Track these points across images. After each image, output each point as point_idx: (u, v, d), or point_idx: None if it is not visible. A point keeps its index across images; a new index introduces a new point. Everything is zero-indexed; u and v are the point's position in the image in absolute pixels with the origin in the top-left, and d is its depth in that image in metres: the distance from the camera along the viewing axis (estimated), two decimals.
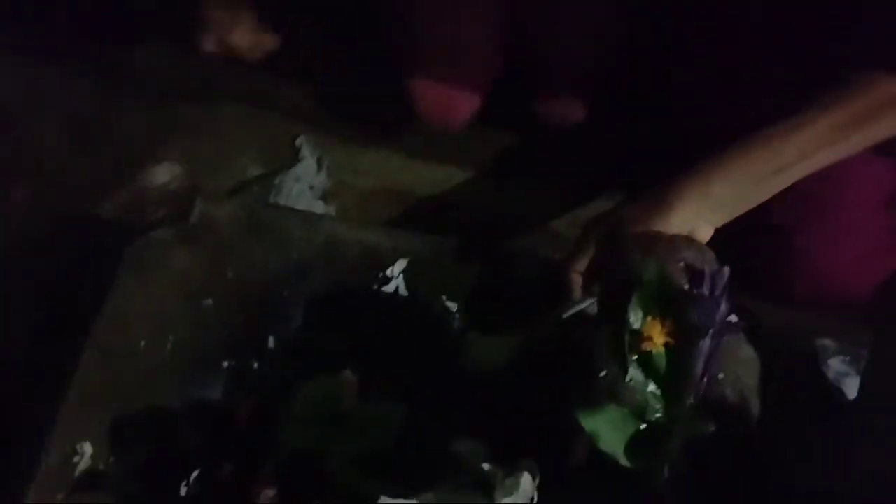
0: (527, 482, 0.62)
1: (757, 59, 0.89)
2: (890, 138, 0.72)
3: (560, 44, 1.06)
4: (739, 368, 0.57)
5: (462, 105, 1.08)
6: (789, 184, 0.70)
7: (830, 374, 0.78)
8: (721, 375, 0.56)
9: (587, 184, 1.12)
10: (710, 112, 0.95)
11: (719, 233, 0.69)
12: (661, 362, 0.55)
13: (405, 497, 0.62)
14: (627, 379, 0.55)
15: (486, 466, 0.63)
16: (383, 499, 0.61)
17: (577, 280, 0.70)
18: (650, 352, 0.55)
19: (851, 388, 0.77)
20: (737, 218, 0.71)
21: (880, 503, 0.53)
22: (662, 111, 1.05)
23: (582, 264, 0.69)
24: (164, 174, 1.08)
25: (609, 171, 1.12)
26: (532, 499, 0.63)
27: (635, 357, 0.56)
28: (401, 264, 0.85)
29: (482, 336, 0.79)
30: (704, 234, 0.67)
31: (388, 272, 0.85)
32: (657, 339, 0.55)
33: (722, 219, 0.69)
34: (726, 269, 0.58)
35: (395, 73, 1.08)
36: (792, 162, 0.69)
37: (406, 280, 0.85)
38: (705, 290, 0.56)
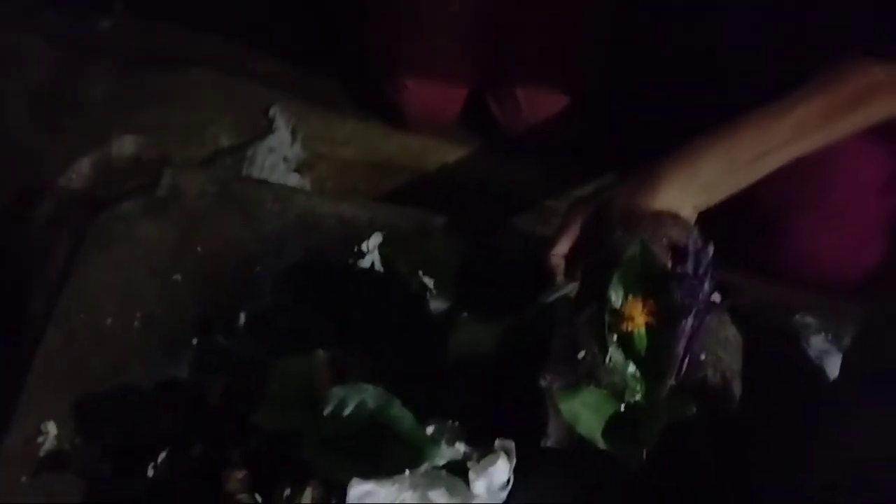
0: (503, 463, 0.61)
1: (741, 44, 0.88)
2: (879, 123, 0.71)
3: (538, 45, 1.05)
4: (721, 349, 0.56)
5: (445, 106, 1.09)
6: (776, 167, 0.70)
7: (812, 352, 0.77)
8: (703, 356, 0.55)
9: (574, 158, 1.10)
10: (700, 92, 0.94)
11: (708, 211, 0.68)
12: (642, 343, 0.54)
13: (379, 479, 0.60)
14: (607, 360, 0.53)
15: (461, 447, 0.62)
16: (356, 481, 0.60)
17: (560, 264, 0.69)
18: (631, 332, 0.54)
19: (833, 365, 0.76)
20: (728, 197, 0.70)
21: (862, 484, 0.52)
22: (652, 90, 1.03)
23: (565, 247, 0.69)
24: (132, 145, 1.05)
25: (597, 147, 1.10)
26: (508, 480, 0.61)
27: (615, 337, 0.54)
28: (377, 238, 0.83)
29: (464, 319, 0.77)
30: (690, 214, 0.67)
31: (364, 246, 0.83)
32: (638, 318, 0.53)
33: (708, 200, 0.69)
34: (710, 247, 0.56)
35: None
36: (779, 145, 0.68)
37: (382, 255, 0.83)
38: (689, 269, 0.54)
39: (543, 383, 0.55)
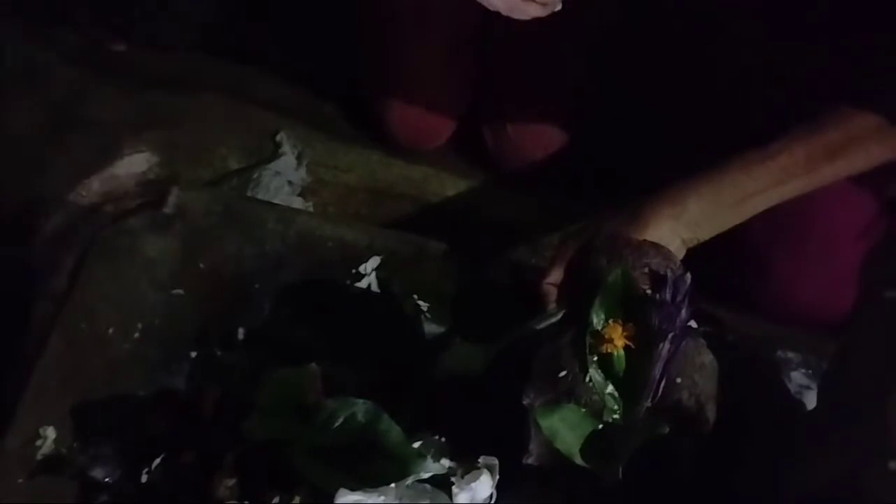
0: (486, 479, 0.63)
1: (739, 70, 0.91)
2: (864, 170, 0.74)
3: (528, 82, 1.09)
4: (697, 374, 0.58)
5: (435, 133, 1.12)
6: (762, 209, 0.73)
7: (792, 387, 0.79)
8: (679, 380, 0.57)
9: (569, 192, 1.13)
10: (695, 123, 0.97)
11: (693, 248, 0.71)
12: (621, 364, 0.56)
13: (365, 490, 0.62)
14: (587, 379, 0.55)
15: (446, 463, 0.64)
16: (342, 491, 0.62)
17: (552, 292, 0.70)
18: (610, 354, 0.56)
19: (812, 401, 0.78)
20: (714, 236, 0.72)
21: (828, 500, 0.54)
22: (645, 120, 1.06)
23: (557, 276, 0.70)
24: (141, 163, 1.08)
25: (590, 180, 1.13)
26: (490, 496, 0.63)
27: (596, 358, 0.56)
28: (374, 261, 0.86)
29: (455, 342, 0.79)
30: (678, 248, 0.69)
31: (362, 269, 0.86)
32: (618, 341, 0.56)
33: (694, 238, 0.71)
34: (688, 276, 0.59)
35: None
36: (765, 188, 0.71)
37: (379, 278, 0.86)
38: (667, 295, 0.56)
39: (526, 401, 0.57)
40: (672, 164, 0.73)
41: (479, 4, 0.69)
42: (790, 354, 0.80)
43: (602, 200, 1.06)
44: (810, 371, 0.79)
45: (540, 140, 1.11)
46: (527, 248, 1.06)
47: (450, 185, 1.13)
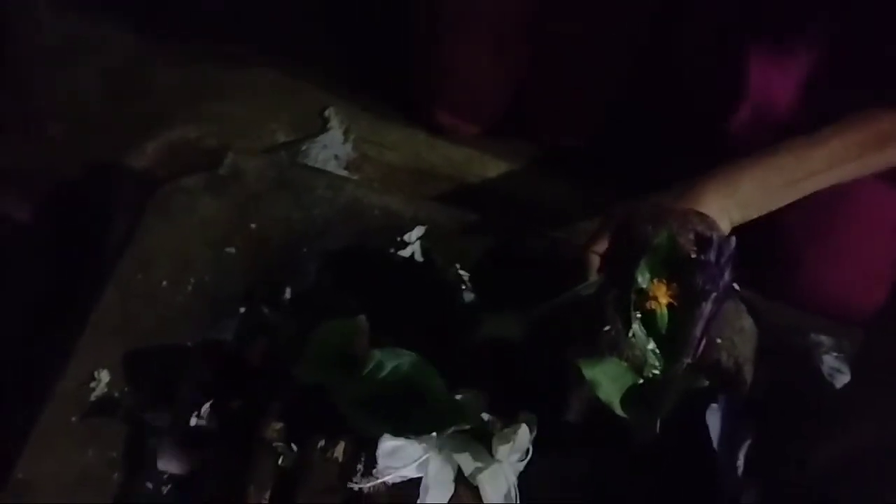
0: (524, 433, 0.65)
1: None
2: None
3: (571, 85, 1.11)
4: (737, 336, 0.60)
5: (478, 121, 1.15)
6: (811, 192, 0.74)
7: (825, 370, 0.80)
8: (719, 340, 0.59)
9: (609, 183, 1.14)
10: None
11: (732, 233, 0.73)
12: (663, 322, 0.58)
13: (408, 438, 0.64)
14: (630, 335, 0.58)
15: (485, 416, 0.66)
16: (386, 437, 0.64)
17: (595, 261, 0.72)
18: (654, 311, 0.58)
19: (843, 384, 0.80)
20: (749, 223, 0.74)
21: (860, 469, 0.56)
22: (679, 116, 1.08)
23: (602, 246, 0.72)
24: (194, 131, 1.11)
25: (632, 171, 1.15)
26: (527, 451, 0.65)
27: (639, 315, 0.58)
28: (419, 230, 0.88)
29: (494, 312, 0.81)
30: (727, 228, 0.71)
31: (406, 237, 0.88)
32: (662, 299, 0.58)
33: (744, 217, 0.73)
34: (733, 239, 0.61)
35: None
36: (817, 171, 0.73)
37: (422, 247, 0.88)
38: (711, 257, 0.58)
39: (568, 356, 0.59)
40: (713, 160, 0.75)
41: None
42: (822, 338, 0.81)
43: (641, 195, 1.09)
44: (843, 355, 0.80)
45: (583, 128, 1.13)
46: (564, 230, 1.09)
47: (491, 168, 1.16)
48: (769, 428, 0.66)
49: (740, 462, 0.66)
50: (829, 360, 0.80)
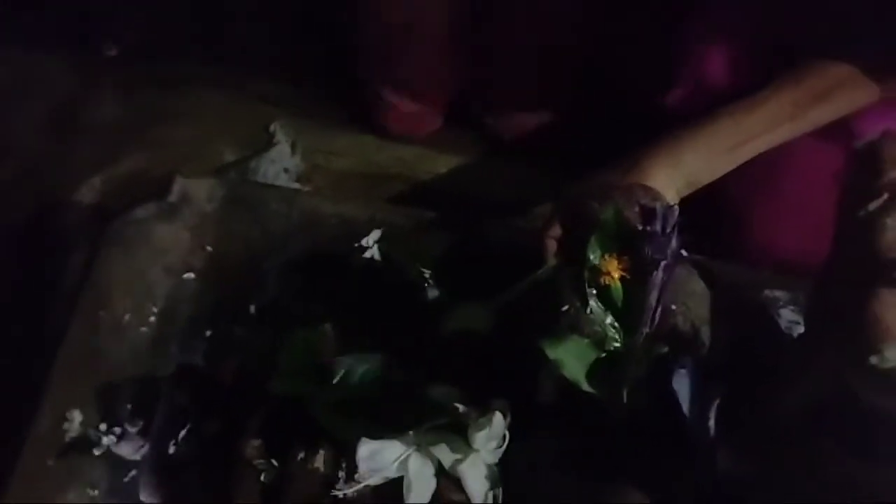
0: (499, 421, 0.66)
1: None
2: (847, 113, 0.78)
3: (515, 72, 1.13)
4: (690, 300, 0.62)
5: (428, 123, 1.17)
6: (752, 156, 0.76)
7: (782, 323, 0.82)
8: (673, 306, 0.61)
9: (557, 161, 1.16)
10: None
11: (680, 203, 0.74)
12: (618, 295, 0.60)
13: (385, 438, 0.65)
14: (588, 311, 0.59)
15: (460, 408, 0.67)
16: (363, 441, 0.65)
17: (552, 245, 0.73)
18: (608, 286, 0.60)
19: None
20: (693, 192, 0.76)
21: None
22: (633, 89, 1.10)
23: (556, 229, 0.73)
24: (141, 161, 1.11)
25: (580, 151, 1.17)
26: (504, 437, 0.66)
27: (595, 292, 0.60)
28: (376, 234, 0.89)
29: (458, 304, 0.82)
30: (672, 199, 0.72)
31: (364, 242, 0.89)
32: (614, 273, 0.59)
33: (690, 186, 0.74)
34: (676, 208, 0.62)
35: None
36: (756, 135, 0.75)
37: (381, 249, 0.89)
38: (657, 227, 0.60)
39: (531, 339, 0.61)
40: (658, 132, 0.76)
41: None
42: (778, 293, 0.83)
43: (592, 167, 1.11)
44: (799, 308, 0.83)
45: (532, 116, 1.15)
46: (520, 218, 1.10)
47: (442, 164, 1.17)
48: (735, 386, 0.67)
49: (711, 423, 0.68)
50: (787, 314, 0.82)
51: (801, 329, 0.82)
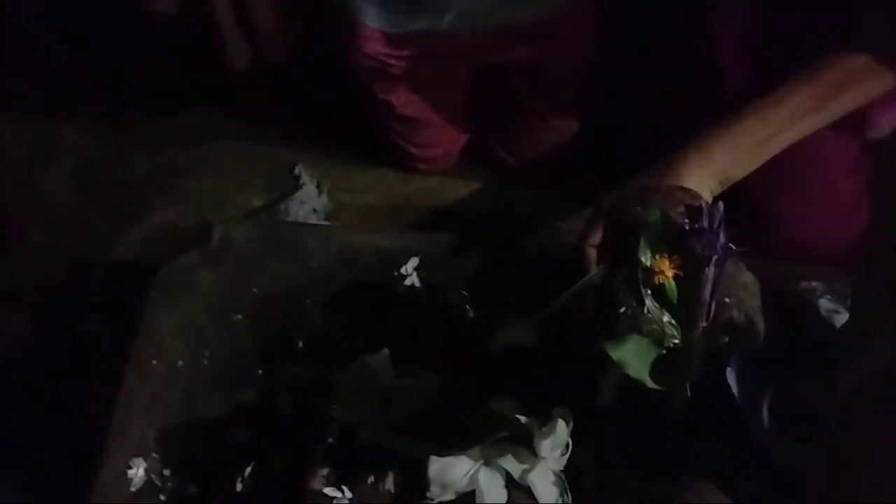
0: (562, 428, 0.67)
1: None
2: (867, 103, 0.80)
3: (531, 92, 1.16)
4: (742, 291, 0.64)
5: (446, 162, 1.21)
6: (777, 151, 0.78)
7: (823, 312, 0.84)
8: (727, 299, 0.62)
9: (580, 184, 1.18)
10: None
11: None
12: (673, 293, 0.62)
13: (454, 455, 0.66)
14: (645, 311, 0.61)
15: (522, 419, 0.68)
16: (433, 459, 0.66)
17: (592, 254, 0.74)
18: (662, 285, 0.61)
19: (842, 322, 0.83)
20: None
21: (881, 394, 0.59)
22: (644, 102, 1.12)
23: (596, 238, 0.74)
24: (172, 214, 1.13)
25: (602, 174, 1.20)
26: (567, 443, 0.68)
27: (649, 292, 0.62)
28: (413, 261, 0.91)
29: (504, 319, 0.83)
30: (706, 199, 0.74)
31: (403, 270, 0.91)
32: (667, 271, 0.61)
33: (722, 184, 0.75)
34: (720, 204, 0.64)
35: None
36: (781, 130, 0.76)
37: (420, 276, 0.91)
38: (704, 223, 0.62)
39: (589, 345, 0.62)
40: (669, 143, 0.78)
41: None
42: (814, 284, 0.85)
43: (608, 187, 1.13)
44: (836, 297, 0.84)
45: (540, 147, 1.19)
46: (545, 231, 1.12)
47: (462, 191, 1.19)
48: (786, 377, 0.69)
49: (765, 414, 0.69)
50: (825, 303, 0.84)
51: (841, 316, 0.83)
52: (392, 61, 1.05)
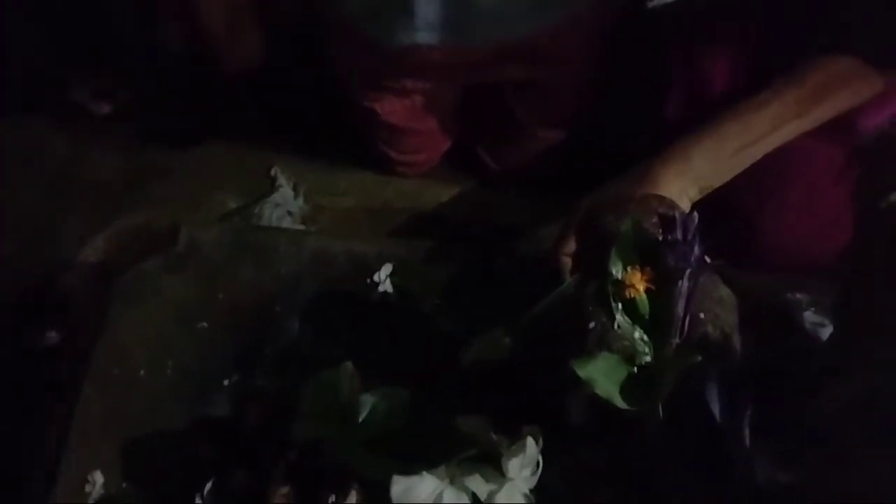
0: (531, 447, 0.64)
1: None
2: (850, 107, 0.78)
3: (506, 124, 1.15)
4: (718, 307, 0.61)
5: (428, 165, 1.18)
6: (759, 157, 0.76)
7: (806, 326, 0.81)
8: (702, 315, 0.59)
9: (557, 187, 1.16)
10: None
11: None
12: (645, 308, 0.59)
13: (417, 474, 0.63)
14: (615, 326, 0.58)
15: (491, 436, 0.66)
16: (396, 478, 0.63)
17: (567, 262, 0.72)
18: (634, 299, 0.59)
19: (827, 336, 0.80)
20: (700, 199, 0.75)
21: (863, 411, 0.57)
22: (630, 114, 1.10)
23: (571, 246, 0.72)
24: (142, 215, 1.10)
25: (582, 178, 1.17)
26: (537, 462, 0.65)
27: (620, 306, 0.59)
28: (387, 268, 0.88)
29: (477, 329, 0.81)
30: (686, 206, 0.72)
31: (375, 277, 0.88)
32: (639, 285, 0.58)
33: (701, 191, 0.74)
34: (695, 214, 0.61)
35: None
36: (762, 135, 0.75)
37: (393, 283, 0.88)
38: (678, 235, 0.59)
39: (558, 360, 0.59)
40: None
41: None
42: (798, 296, 0.82)
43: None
44: (820, 309, 0.81)
45: (524, 150, 1.16)
46: (526, 241, 1.10)
47: (443, 195, 1.16)
48: (766, 392, 0.66)
49: (746, 432, 0.67)
50: (810, 316, 0.81)
51: (826, 329, 0.80)
52: (381, 73, 1.03)
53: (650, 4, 0.99)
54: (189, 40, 0.97)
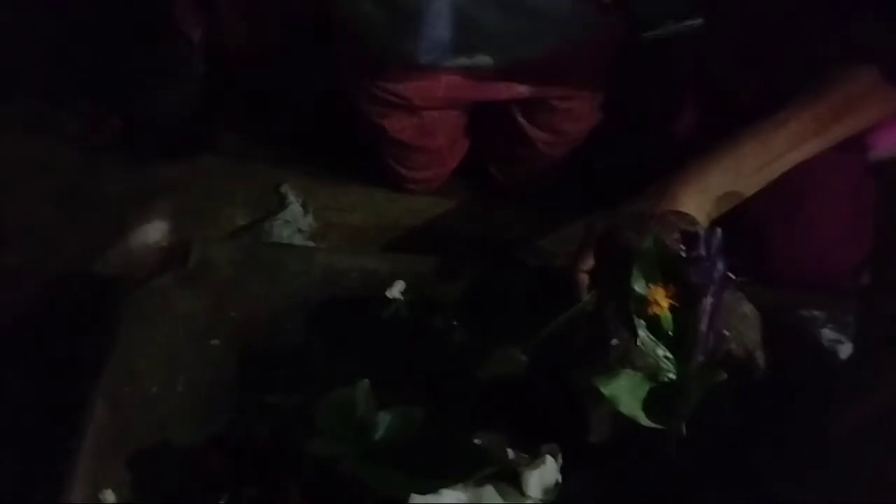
0: (550, 464, 0.64)
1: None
2: (869, 125, 0.78)
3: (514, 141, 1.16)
4: (741, 324, 0.60)
5: (437, 182, 1.19)
6: (777, 175, 0.75)
7: (824, 342, 0.81)
8: (726, 332, 0.59)
9: (575, 206, 1.16)
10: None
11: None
12: (668, 325, 0.58)
13: (436, 493, 0.63)
14: (638, 343, 0.57)
15: (510, 454, 0.65)
16: (413, 495, 0.62)
17: (584, 279, 0.71)
18: (657, 316, 0.58)
19: (845, 354, 0.80)
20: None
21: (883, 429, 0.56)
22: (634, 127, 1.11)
23: (588, 263, 0.71)
24: (153, 232, 1.10)
25: (591, 194, 1.17)
26: (556, 481, 0.64)
27: (643, 322, 0.58)
28: (399, 285, 0.88)
29: (492, 345, 0.80)
30: (703, 224, 0.71)
31: (388, 294, 0.87)
32: (662, 301, 0.58)
33: (720, 209, 0.73)
34: (718, 230, 0.61)
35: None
36: (781, 154, 0.74)
37: (406, 300, 0.87)
38: (701, 251, 0.59)
39: (579, 377, 0.59)
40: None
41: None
42: (815, 313, 0.82)
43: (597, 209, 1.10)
44: (838, 326, 0.81)
45: (544, 167, 1.17)
46: (536, 256, 1.09)
47: (452, 211, 1.17)
48: (787, 410, 0.66)
49: (766, 451, 0.66)
50: (827, 333, 0.81)
51: (845, 346, 0.80)
52: (391, 91, 1.03)
53: (643, 38, 1.00)
54: (207, 28, 0.97)
